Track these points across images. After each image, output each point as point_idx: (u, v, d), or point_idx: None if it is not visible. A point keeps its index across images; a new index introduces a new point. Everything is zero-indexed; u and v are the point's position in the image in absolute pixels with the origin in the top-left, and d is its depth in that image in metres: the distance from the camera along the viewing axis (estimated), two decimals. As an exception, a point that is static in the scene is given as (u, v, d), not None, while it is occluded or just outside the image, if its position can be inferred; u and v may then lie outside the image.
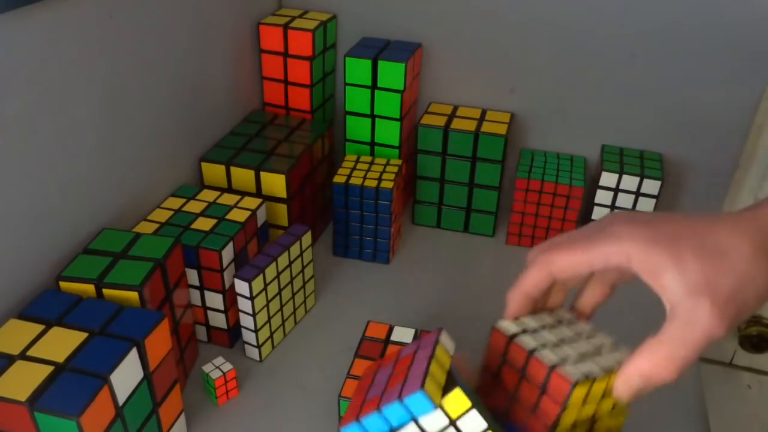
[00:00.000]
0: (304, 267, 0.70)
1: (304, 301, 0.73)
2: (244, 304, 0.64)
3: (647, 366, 0.37)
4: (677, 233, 0.37)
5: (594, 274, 0.46)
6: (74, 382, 0.45)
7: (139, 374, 0.49)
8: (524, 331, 0.44)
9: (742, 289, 0.35)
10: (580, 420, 0.41)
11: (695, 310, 0.35)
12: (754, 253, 0.36)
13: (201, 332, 0.69)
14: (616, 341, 0.46)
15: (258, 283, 0.63)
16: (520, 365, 0.43)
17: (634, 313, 0.76)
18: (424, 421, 0.38)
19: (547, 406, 0.40)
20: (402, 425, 0.39)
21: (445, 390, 0.39)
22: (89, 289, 0.54)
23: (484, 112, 0.86)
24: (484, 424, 0.38)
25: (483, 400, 0.40)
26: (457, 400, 0.38)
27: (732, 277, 0.35)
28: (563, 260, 0.40)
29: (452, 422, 0.38)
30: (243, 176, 0.74)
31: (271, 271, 0.64)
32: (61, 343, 0.48)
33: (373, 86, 0.81)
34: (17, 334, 0.48)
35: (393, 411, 0.38)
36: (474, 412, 0.38)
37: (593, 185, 0.83)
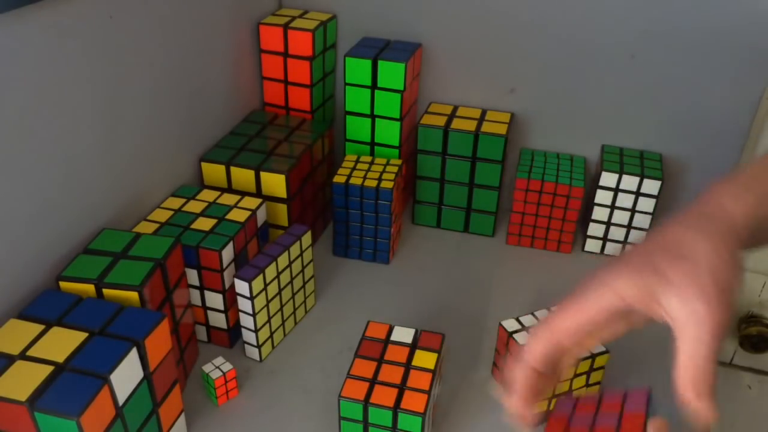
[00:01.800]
0: (304, 267, 0.70)
1: (304, 301, 0.73)
2: (244, 304, 0.64)
3: (692, 382, 0.39)
4: (650, 255, 0.41)
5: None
6: (74, 382, 0.45)
7: (139, 374, 0.49)
8: (523, 328, 0.60)
9: (719, 278, 0.40)
10: (558, 392, 0.58)
11: (695, 313, 0.39)
12: (715, 247, 0.41)
13: (201, 332, 0.69)
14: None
15: (258, 283, 0.63)
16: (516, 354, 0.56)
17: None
18: None
19: None
20: None
21: None
22: (89, 289, 0.54)
23: (484, 112, 0.86)
24: None
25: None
26: None
27: (707, 273, 0.40)
28: (565, 325, 0.42)
29: None
30: (243, 176, 0.74)
31: (271, 271, 0.64)
32: (61, 343, 0.48)
33: (373, 86, 0.81)
34: (17, 334, 0.48)
35: None
36: None
37: (593, 185, 0.83)
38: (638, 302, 0.41)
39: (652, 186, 0.79)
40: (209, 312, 0.67)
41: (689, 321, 0.39)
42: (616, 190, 0.80)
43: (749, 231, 0.43)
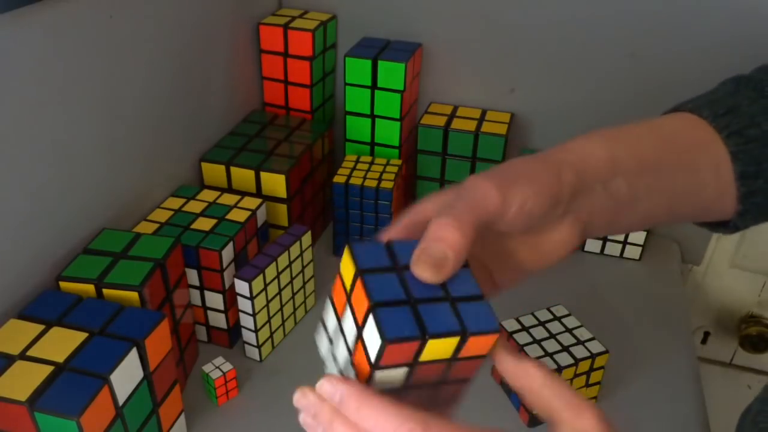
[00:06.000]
0: (304, 267, 0.70)
1: (304, 301, 0.73)
2: (244, 304, 0.64)
3: (435, 232, 0.35)
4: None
5: None
6: (74, 382, 0.45)
7: (139, 374, 0.49)
8: (522, 328, 0.60)
9: (508, 168, 0.39)
10: None
11: (467, 183, 0.38)
12: (529, 156, 0.41)
13: (201, 332, 0.69)
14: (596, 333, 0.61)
15: (258, 283, 0.63)
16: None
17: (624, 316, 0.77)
18: None
19: None
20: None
21: None
22: (89, 289, 0.54)
23: (484, 112, 0.86)
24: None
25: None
26: None
27: (502, 166, 0.40)
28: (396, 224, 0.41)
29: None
30: (243, 176, 0.74)
31: (271, 271, 0.64)
32: (61, 343, 0.48)
33: (373, 86, 0.81)
34: (17, 334, 0.48)
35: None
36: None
37: (593, 185, 0.83)
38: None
39: (652, 186, 0.79)
40: (209, 312, 0.67)
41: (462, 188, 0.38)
42: (616, 190, 0.80)
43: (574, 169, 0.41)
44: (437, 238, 0.35)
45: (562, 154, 0.42)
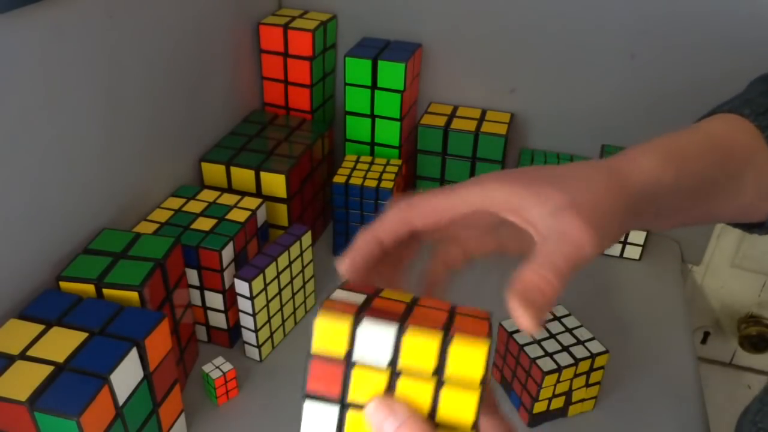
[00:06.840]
0: (304, 267, 0.70)
1: (304, 301, 0.73)
2: (244, 304, 0.64)
3: (535, 282, 0.33)
4: (534, 172, 0.38)
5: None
6: (74, 382, 0.45)
7: (139, 374, 0.50)
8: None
9: (600, 203, 0.36)
10: (558, 392, 0.59)
11: (562, 224, 0.35)
12: (607, 176, 0.38)
13: (201, 332, 0.69)
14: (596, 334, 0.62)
15: (258, 283, 0.63)
16: (516, 353, 0.61)
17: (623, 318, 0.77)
18: None
19: (531, 384, 0.59)
20: None
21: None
22: (89, 289, 0.54)
23: (484, 112, 0.86)
24: None
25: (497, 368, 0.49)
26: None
27: (589, 194, 0.36)
28: (424, 204, 0.38)
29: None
30: (243, 176, 0.74)
31: (271, 271, 0.64)
32: (61, 343, 0.48)
33: (373, 86, 0.81)
34: (17, 334, 0.48)
35: None
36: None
37: (593, 185, 0.83)
38: (505, 210, 0.37)
39: (652, 186, 0.79)
40: (209, 312, 0.67)
41: (552, 234, 0.35)
42: (616, 190, 0.80)
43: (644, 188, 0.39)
44: (538, 289, 0.33)
45: (639, 183, 0.39)
